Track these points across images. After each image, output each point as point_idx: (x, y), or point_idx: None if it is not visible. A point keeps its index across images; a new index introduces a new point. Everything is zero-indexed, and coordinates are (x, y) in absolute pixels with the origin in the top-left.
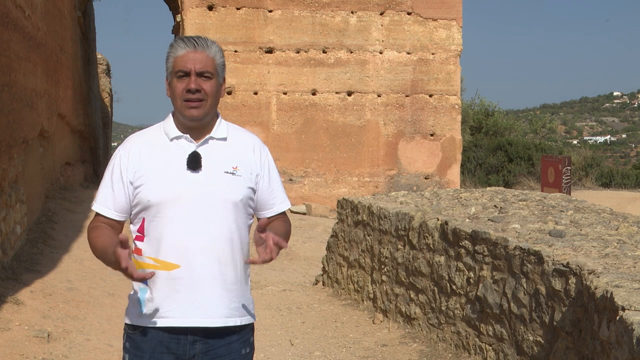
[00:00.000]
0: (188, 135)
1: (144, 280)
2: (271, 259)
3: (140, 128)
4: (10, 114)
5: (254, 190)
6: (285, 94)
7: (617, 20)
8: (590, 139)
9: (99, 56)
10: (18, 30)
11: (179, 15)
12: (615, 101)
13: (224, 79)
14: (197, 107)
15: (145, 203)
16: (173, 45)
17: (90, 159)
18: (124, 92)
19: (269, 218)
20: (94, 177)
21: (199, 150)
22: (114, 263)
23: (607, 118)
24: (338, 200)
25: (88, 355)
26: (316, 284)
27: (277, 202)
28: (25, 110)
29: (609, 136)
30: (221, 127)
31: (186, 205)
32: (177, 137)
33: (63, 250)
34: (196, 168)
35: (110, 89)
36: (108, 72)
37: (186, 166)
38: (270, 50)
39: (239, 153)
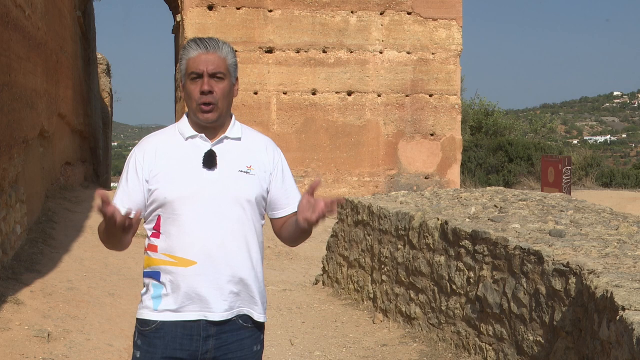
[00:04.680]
0: (203, 135)
1: (123, 223)
2: (321, 218)
3: (140, 128)
4: (10, 114)
5: (267, 190)
6: (285, 94)
7: (617, 20)
8: (591, 139)
9: (99, 56)
10: (18, 30)
11: (179, 15)
12: (616, 101)
13: (237, 79)
14: (211, 112)
15: (162, 201)
16: (186, 48)
17: (90, 159)
18: (124, 92)
19: (284, 217)
20: (94, 177)
21: (214, 149)
22: (111, 228)
23: (607, 118)
24: None
25: (88, 355)
26: (316, 284)
27: (291, 202)
28: (26, 110)
29: (609, 136)
30: (235, 127)
31: (202, 203)
32: (192, 137)
33: (63, 250)
34: (212, 166)
35: (110, 89)
36: (108, 72)
37: (202, 164)
38: (270, 50)
39: (252, 153)
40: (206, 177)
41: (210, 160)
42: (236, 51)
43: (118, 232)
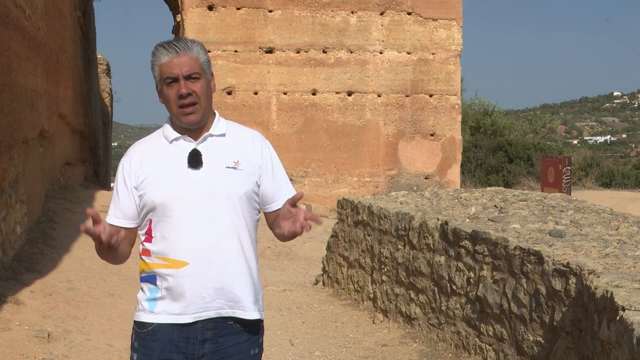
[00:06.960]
0: (186, 135)
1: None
2: (300, 232)
3: (140, 128)
4: (10, 114)
5: (257, 184)
6: (285, 94)
7: (617, 20)
8: (591, 139)
9: (99, 56)
10: (18, 30)
11: (179, 15)
12: (616, 101)
13: (212, 74)
14: (193, 113)
15: (150, 204)
16: (155, 54)
17: (90, 159)
18: (124, 92)
19: (276, 211)
20: (94, 177)
21: (199, 148)
22: (107, 250)
23: (607, 118)
24: (338, 200)
25: (88, 355)
26: (316, 284)
27: (283, 194)
28: (26, 110)
29: (609, 136)
30: (219, 124)
31: (190, 202)
32: (176, 139)
33: (63, 250)
34: (197, 165)
35: (110, 89)
36: (108, 72)
37: (187, 164)
38: (270, 50)
39: (239, 148)
40: (192, 176)
41: (194, 160)
42: (236, 51)
43: (103, 249)
